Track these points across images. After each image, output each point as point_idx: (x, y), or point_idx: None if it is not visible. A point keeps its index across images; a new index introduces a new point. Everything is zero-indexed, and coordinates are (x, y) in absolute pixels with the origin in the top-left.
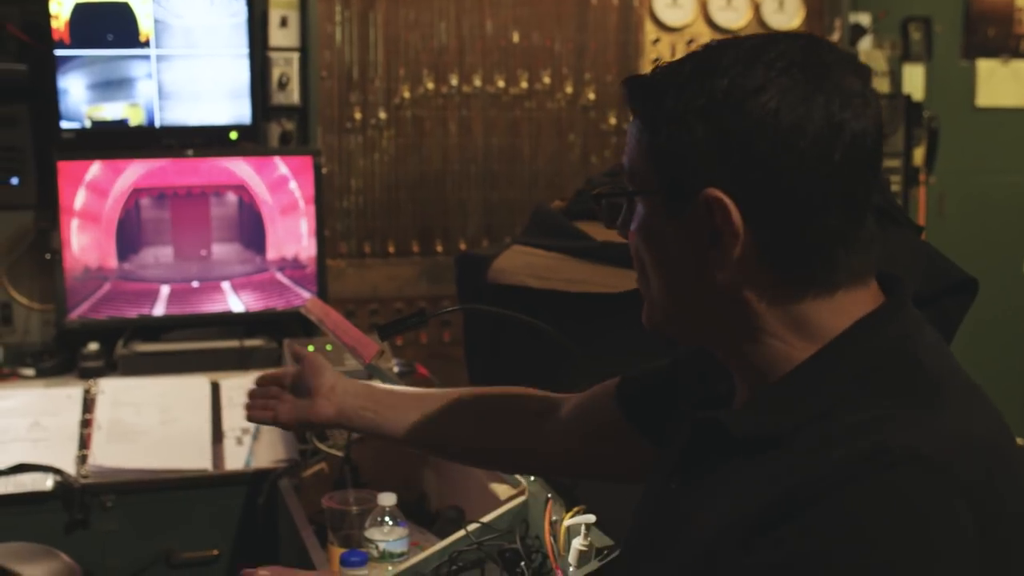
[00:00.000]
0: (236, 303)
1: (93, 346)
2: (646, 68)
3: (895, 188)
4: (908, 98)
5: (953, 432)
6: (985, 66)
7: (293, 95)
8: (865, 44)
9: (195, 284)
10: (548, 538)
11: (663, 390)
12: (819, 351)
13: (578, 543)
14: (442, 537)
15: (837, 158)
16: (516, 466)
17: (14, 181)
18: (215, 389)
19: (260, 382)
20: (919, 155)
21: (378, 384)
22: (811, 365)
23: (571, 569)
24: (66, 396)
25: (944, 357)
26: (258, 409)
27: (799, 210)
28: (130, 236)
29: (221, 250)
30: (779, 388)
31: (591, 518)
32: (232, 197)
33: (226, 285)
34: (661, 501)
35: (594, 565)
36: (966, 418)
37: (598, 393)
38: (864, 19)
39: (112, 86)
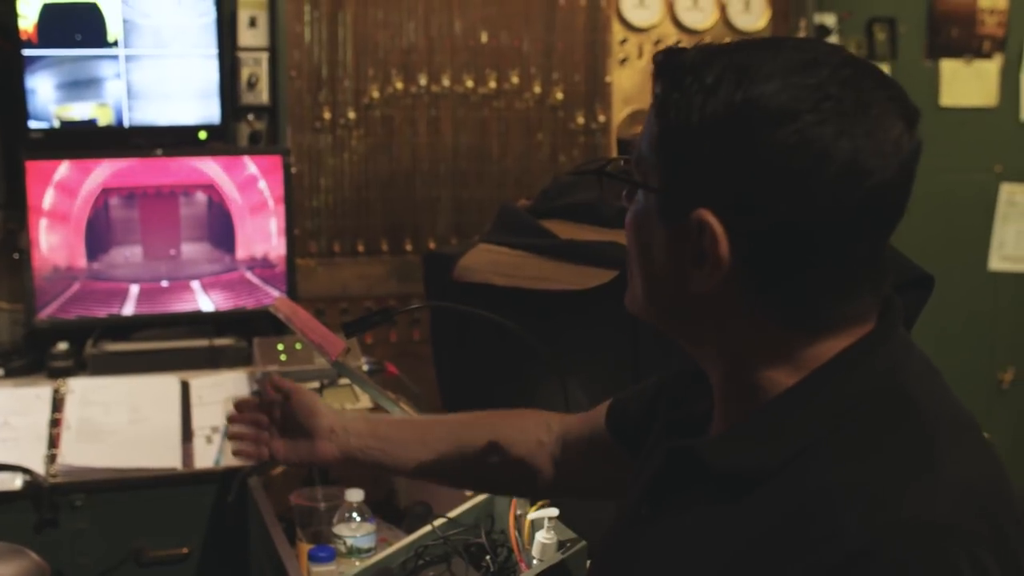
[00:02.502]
0: (206, 302)
1: (62, 346)
2: (613, 68)
3: None
4: None
5: (955, 485)
6: (949, 66)
7: (262, 95)
8: None
9: (164, 283)
10: (513, 532)
11: (647, 409)
12: (803, 380)
13: (542, 536)
14: (410, 533)
15: (851, 207)
16: (521, 491)
17: None
18: (185, 388)
19: (239, 409)
20: None
21: (380, 418)
22: (793, 395)
23: (535, 562)
24: (35, 396)
25: (932, 384)
26: (250, 446)
27: (793, 254)
28: (99, 236)
29: (190, 249)
30: (759, 419)
31: (554, 512)
32: (201, 197)
33: (196, 284)
34: (632, 526)
35: (557, 557)
36: (963, 464)
37: (593, 414)
38: (829, 20)
39: (81, 86)
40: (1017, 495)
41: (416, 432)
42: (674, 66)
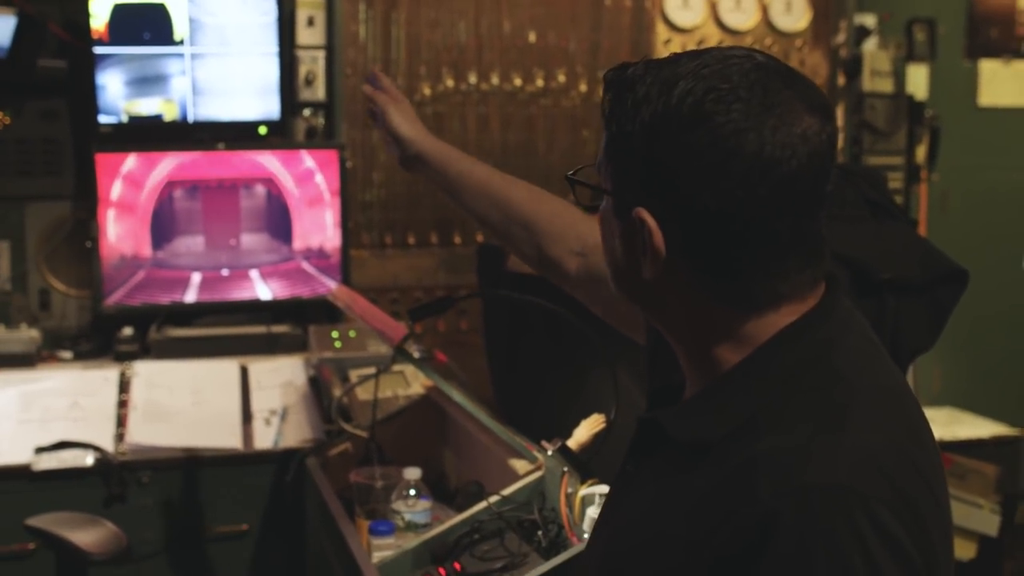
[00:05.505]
0: (264, 291)
1: (128, 331)
2: None
3: (897, 185)
4: (911, 98)
5: (858, 450)
6: (988, 66)
7: (319, 91)
8: (870, 45)
9: (225, 272)
10: (564, 509)
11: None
12: (747, 357)
13: (592, 512)
14: (462, 511)
15: (764, 194)
16: (546, 276)
17: None
18: (244, 372)
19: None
20: (921, 153)
21: (455, 159)
22: (739, 370)
23: (586, 536)
24: (103, 378)
25: (865, 358)
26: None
27: (718, 240)
28: (164, 226)
29: (250, 240)
30: (710, 392)
31: (605, 488)
32: (261, 189)
33: (254, 273)
34: (620, 482)
35: None
36: (872, 431)
37: None
38: (869, 20)
39: (148, 82)
40: (935, 463)
41: (476, 182)
42: (618, 82)
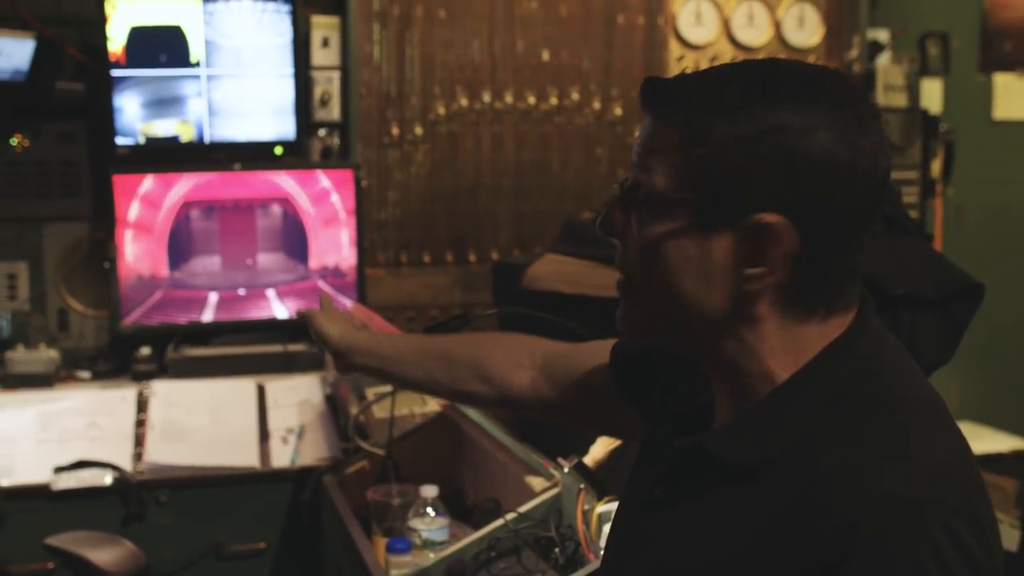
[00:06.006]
0: (280, 310)
1: (145, 350)
2: None
3: (911, 199)
4: (925, 112)
5: (927, 464)
6: (1002, 80)
7: (334, 112)
8: (883, 60)
9: (242, 292)
10: (581, 526)
11: (655, 370)
12: (797, 372)
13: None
14: (479, 528)
15: (871, 196)
16: (504, 406)
17: None
18: (261, 391)
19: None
20: (936, 167)
21: (382, 337)
22: (790, 387)
23: (603, 553)
24: (121, 397)
25: (905, 370)
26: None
27: (839, 243)
28: (181, 246)
29: (266, 259)
30: (760, 412)
31: None
32: (277, 209)
33: (271, 292)
34: (647, 508)
35: None
36: (933, 445)
37: (585, 351)
38: (882, 35)
39: (165, 104)
40: (978, 469)
41: (413, 351)
42: (681, 95)
